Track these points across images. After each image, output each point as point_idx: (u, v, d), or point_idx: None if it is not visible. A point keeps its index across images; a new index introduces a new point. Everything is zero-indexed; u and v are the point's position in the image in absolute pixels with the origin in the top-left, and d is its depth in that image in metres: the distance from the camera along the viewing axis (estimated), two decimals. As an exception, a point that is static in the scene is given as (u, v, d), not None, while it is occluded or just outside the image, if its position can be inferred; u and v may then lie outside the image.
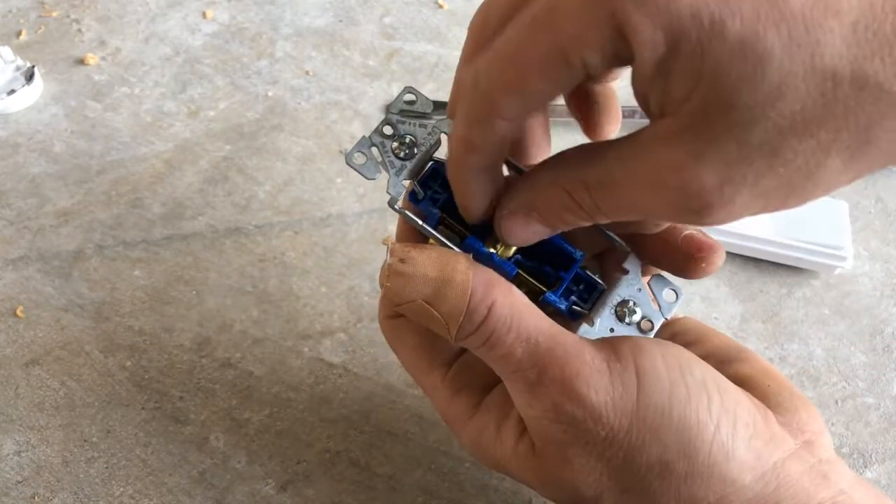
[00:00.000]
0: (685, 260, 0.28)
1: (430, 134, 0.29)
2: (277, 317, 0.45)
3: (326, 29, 0.62)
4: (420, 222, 0.28)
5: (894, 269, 0.49)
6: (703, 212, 0.21)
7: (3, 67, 0.55)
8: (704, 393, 0.26)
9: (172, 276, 0.47)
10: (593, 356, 0.26)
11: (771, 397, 0.29)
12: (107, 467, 0.39)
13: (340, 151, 0.53)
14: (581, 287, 0.29)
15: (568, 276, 0.28)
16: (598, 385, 0.26)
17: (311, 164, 0.53)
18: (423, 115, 0.29)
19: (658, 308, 0.29)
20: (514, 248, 0.29)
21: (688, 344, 0.31)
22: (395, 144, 0.28)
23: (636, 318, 0.28)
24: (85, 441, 0.40)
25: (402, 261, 0.26)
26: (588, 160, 0.24)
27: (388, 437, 0.40)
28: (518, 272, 0.29)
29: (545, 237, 0.27)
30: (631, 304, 0.28)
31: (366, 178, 0.28)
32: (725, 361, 0.30)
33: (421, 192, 0.29)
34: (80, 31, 0.61)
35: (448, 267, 0.26)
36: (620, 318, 0.28)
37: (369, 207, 0.50)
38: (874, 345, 0.45)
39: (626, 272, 0.29)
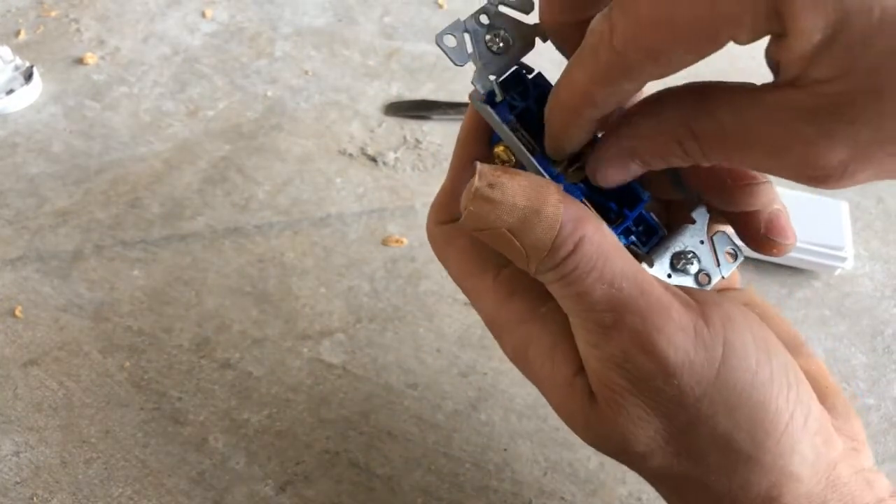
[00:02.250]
0: (763, 240, 0.28)
1: (525, 36, 0.27)
2: (276, 317, 0.45)
3: (326, 28, 0.61)
4: (502, 124, 0.27)
5: (895, 269, 0.48)
6: (820, 181, 0.21)
7: (2, 67, 0.55)
8: (786, 380, 0.25)
9: (171, 277, 0.46)
10: (680, 315, 0.25)
11: (828, 399, 0.28)
12: (105, 468, 0.39)
13: (340, 152, 0.53)
14: (641, 229, 0.28)
15: (632, 214, 0.27)
16: (680, 344, 0.25)
17: (310, 164, 0.52)
18: (522, 12, 0.27)
19: (717, 265, 0.28)
20: (582, 174, 0.27)
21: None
22: (489, 37, 0.27)
23: (693, 269, 0.27)
24: (83, 442, 0.40)
25: (490, 185, 0.24)
26: (698, 107, 0.23)
27: (387, 437, 0.40)
28: (583, 200, 0.27)
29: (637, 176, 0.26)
30: (691, 254, 0.27)
31: (454, 62, 0.26)
32: (791, 350, 0.29)
33: (500, 94, 0.27)
34: (78, 30, 0.60)
35: (539, 197, 0.24)
36: (677, 267, 0.27)
37: (368, 208, 0.50)
38: (874, 345, 0.45)
39: (692, 222, 0.27)
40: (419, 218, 0.50)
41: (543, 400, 0.42)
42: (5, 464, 0.39)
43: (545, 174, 0.26)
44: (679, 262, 0.27)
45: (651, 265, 0.27)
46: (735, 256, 0.28)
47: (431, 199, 0.51)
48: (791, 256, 0.46)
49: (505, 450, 0.40)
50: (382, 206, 0.50)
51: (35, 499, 0.38)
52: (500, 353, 0.43)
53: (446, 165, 0.52)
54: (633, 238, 0.28)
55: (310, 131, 0.54)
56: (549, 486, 0.39)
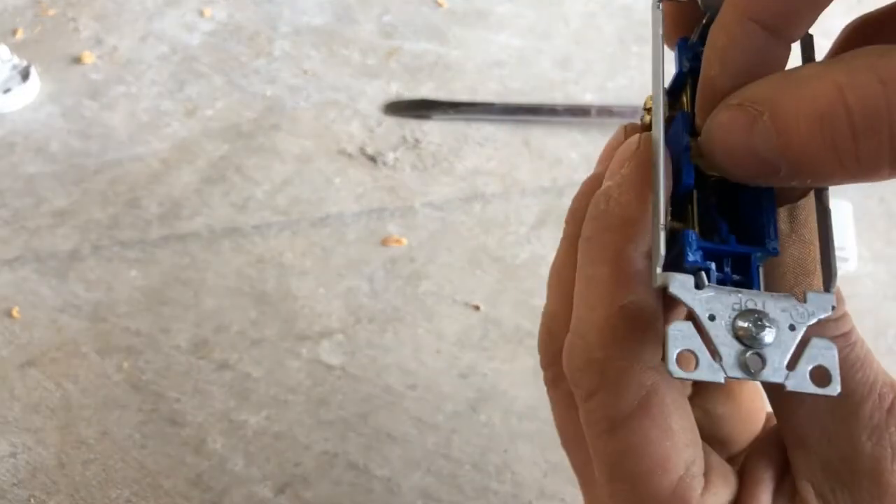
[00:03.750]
0: None
1: None
2: (275, 318, 0.45)
3: (325, 27, 0.61)
4: (659, 47, 0.21)
5: (896, 269, 0.48)
6: None
7: (0, 66, 0.55)
8: None
9: (169, 277, 0.46)
10: None
11: None
12: (103, 469, 0.39)
13: (339, 151, 0.53)
14: (734, 275, 0.20)
15: (735, 248, 0.20)
16: None
17: (309, 163, 0.52)
18: None
19: (789, 368, 0.18)
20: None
21: None
22: None
23: (761, 341, 0.18)
24: (81, 443, 0.40)
25: None
26: None
27: (386, 439, 0.40)
28: (692, 189, 0.20)
29: (762, 174, 0.17)
30: (769, 324, 0.18)
31: None
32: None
33: (696, 33, 0.22)
34: (76, 29, 0.60)
35: None
36: (739, 322, 0.18)
37: (368, 207, 0.50)
38: (877, 346, 0.45)
39: (803, 300, 0.18)
40: (419, 218, 0.49)
41: (544, 401, 0.42)
42: (2, 465, 0.39)
43: (661, 137, 0.20)
44: (747, 320, 0.18)
45: (700, 287, 0.18)
46: (825, 382, 0.18)
47: (431, 198, 0.51)
48: (793, 257, 0.46)
49: (505, 451, 0.40)
50: (382, 206, 0.50)
51: (33, 500, 0.38)
52: (500, 353, 0.43)
53: (446, 165, 0.52)
54: (713, 269, 0.19)
55: (309, 131, 0.54)
56: (550, 488, 0.38)
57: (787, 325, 0.18)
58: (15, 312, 0.44)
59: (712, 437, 0.25)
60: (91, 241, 0.48)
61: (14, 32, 0.60)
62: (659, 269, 0.19)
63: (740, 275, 0.19)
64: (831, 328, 0.20)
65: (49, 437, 0.40)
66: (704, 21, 0.21)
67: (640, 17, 0.60)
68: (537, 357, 0.44)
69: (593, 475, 0.21)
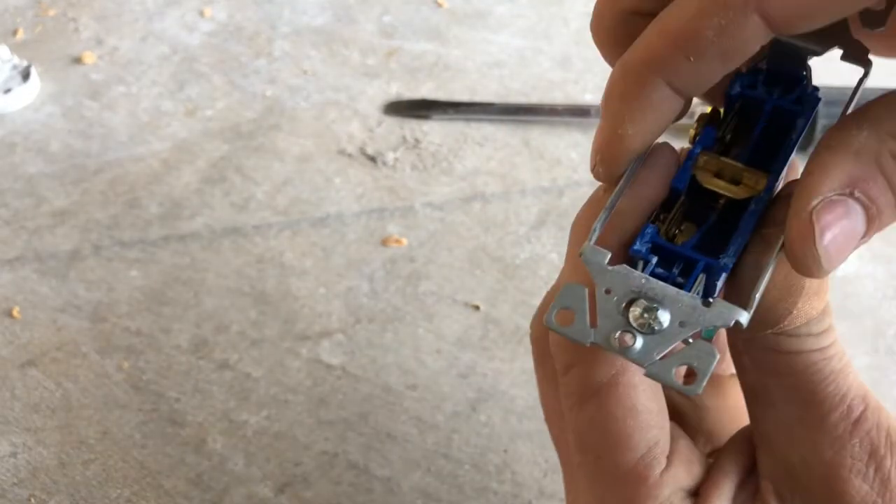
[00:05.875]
0: None
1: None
2: (275, 318, 0.45)
3: (325, 28, 0.61)
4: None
5: (896, 269, 0.48)
6: None
7: (0, 66, 0.55)
8: None
9: (170, 277, 0.46)
10: None
11: None
12: (103, 469, 0.39)
13: (339, 151, 0.53)
14: (678, 277, 0.20)
15: (685, 252, 0.20)
16: None
17: (309, 163, 0.52)
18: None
19: (656, 356, 0.19)
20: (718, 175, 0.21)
21: None
22: None
23: (645, 326, 0.19)
24: (81, 443, 0.40)
25: None
26: None
27: (386, 439, 0.40)
28: (681, 194, 0.21)
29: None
30: (659, 313, 0.19)
31: None
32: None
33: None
34: (77, 29, 0.60)
35: None
36: (628, 304, 0.19)
37: (368, 207, 0.50)
38: (877, 346, 0.45)
39: (708, 304, 0.19)
40: (419, 218, 0.49)
41: (543, 401, 0.42)
42: (3, 465, 0.39)
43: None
44: (640, 305, 0.19)
45: (609, 264, 0.19)
46: (688, 381, 0.19)
47: (431, 198, 0.51)
48: (792, 257, 0.46)
49: (505, 451, 0.40)
50: (382, 206, 0.50)
51: (33, 500, 0.38)
52: (500, 353, 0.43)
53: (446, 165, 0.52)
54: (654, 263, 0.20)
55: (309, 131, 0.54)
56: (550, 488, 0.39)
57: (678, 321, 0.19)
58: (15, 312, 0.44)
59: (698, 428, 0.26)
60: (91, 241, 0.48)
61: (14, 32, 0.60)
62: (590, 243, 0.20)
63: (684, 279, 0.20)
64: (811, 342, 0.22)
65: (49, 436, 0.40)
66: (768, 51, 0.21)
67: (640, 17, 0.60)
68: (537, 357, 0.44)
69: (569, 448, 0.23)
